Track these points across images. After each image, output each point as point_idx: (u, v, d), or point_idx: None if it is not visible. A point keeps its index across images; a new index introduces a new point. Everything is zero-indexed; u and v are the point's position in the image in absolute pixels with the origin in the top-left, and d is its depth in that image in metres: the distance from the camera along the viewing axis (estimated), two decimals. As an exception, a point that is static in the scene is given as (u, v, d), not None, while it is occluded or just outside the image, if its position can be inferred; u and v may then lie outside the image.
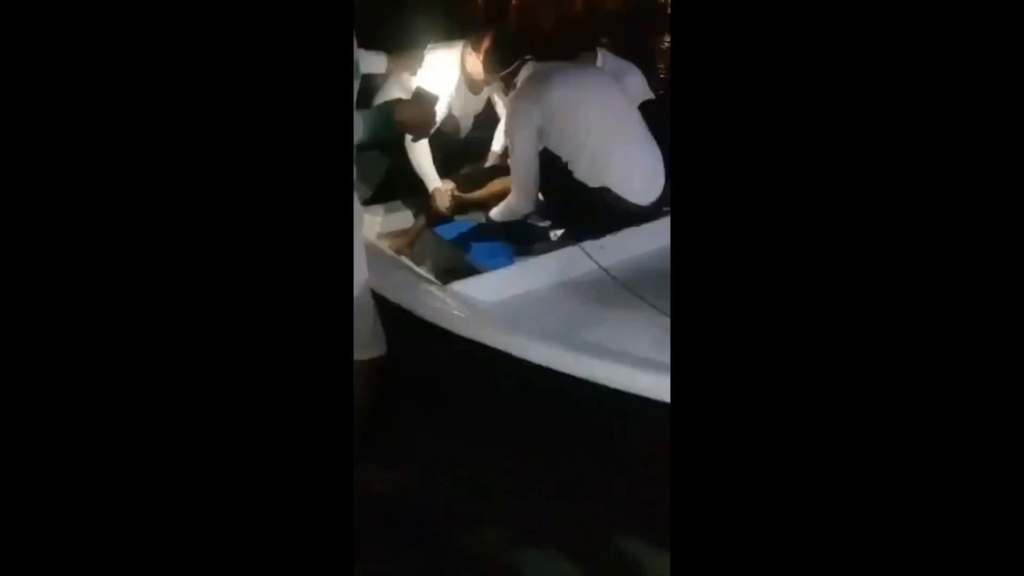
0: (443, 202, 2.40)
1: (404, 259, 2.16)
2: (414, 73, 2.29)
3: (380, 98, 2.31)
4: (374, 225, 2.44)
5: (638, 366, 1.44)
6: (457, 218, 2.38)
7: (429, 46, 2.40)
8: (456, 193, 2.43)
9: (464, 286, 1.82)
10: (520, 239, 2.19)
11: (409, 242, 2.35)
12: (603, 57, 2.70)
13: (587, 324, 1.72)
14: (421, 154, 2.39)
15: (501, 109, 2.63)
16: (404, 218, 2.54)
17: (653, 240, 1.97)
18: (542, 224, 2.29)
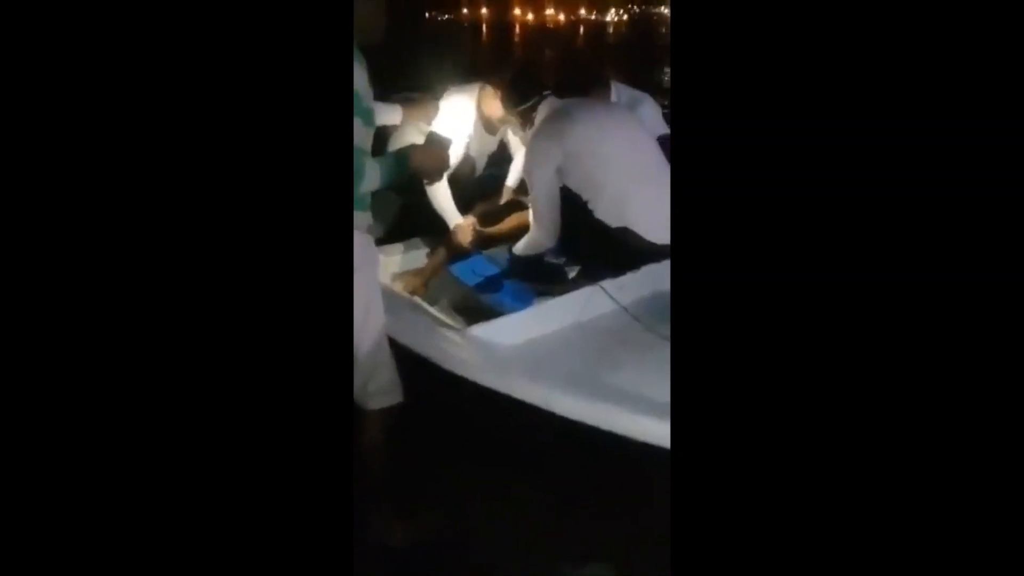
0: (465, 237, 2.39)
1: (418, 300, 2.15)
2: (429, 123, 2.30)
3: (394, 143, 2.31)
4: (390, 265, 2.43)
5: (660, 415, 1.40)
6: (481, 252, 2.37)
7: (446, 91, 2.41)
8: (477, 228, 2.42)
9: (483, 330, 1.80)
10: (540, 280, 2.17)
11: (423, 282, 2.34)
12: (617, 88, 2.69)
13: (607, 367, 1.69)
14: (441, 194, 2.38)
15: (515, 146, 2.62)
16: (419, 258, 2.53)
17: None
18: (559, 262, 2.26)
